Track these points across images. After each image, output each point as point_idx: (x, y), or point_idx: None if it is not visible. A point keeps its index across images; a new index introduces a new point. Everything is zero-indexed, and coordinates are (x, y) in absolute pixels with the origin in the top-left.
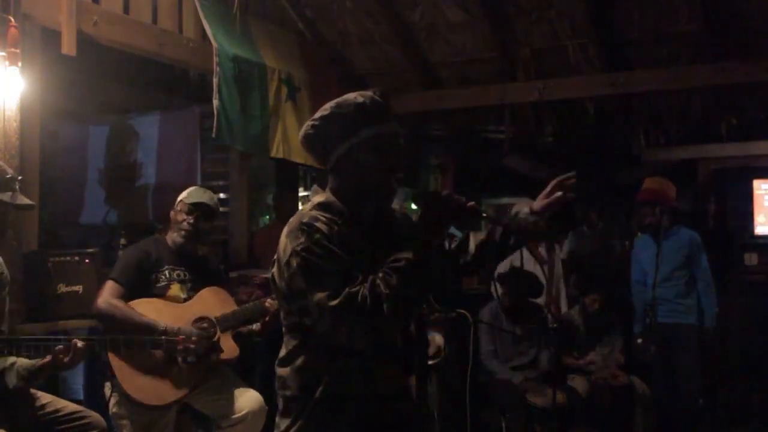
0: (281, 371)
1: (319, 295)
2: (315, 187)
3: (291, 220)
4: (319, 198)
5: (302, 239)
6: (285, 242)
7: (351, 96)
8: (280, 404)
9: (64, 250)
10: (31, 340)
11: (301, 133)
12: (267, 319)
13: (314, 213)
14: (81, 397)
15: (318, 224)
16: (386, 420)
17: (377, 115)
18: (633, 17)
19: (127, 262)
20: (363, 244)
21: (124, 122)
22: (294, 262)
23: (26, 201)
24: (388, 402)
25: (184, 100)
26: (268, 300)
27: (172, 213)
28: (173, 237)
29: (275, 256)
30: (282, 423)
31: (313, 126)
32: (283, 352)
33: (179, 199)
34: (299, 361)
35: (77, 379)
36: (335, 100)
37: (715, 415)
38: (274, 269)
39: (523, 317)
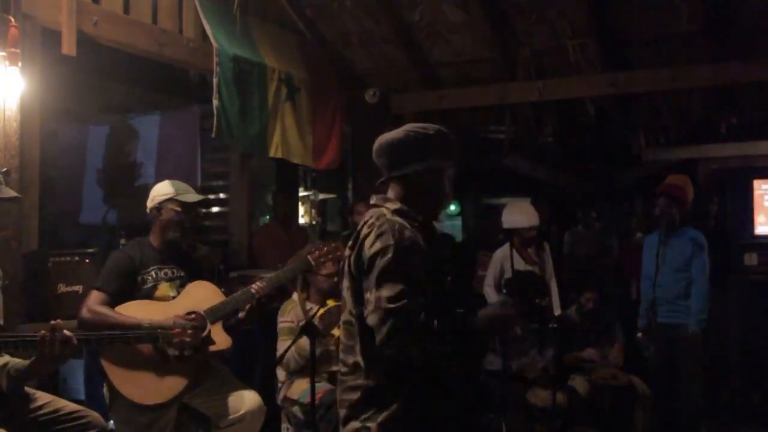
0: (354, 359)
1: (385, 293)
2: (375, 196)
3: (375, 222)
4: (393, 205)
5: (397, 237)
6: (372, 241)
7: (438, 127)
8: (358, 395)
9: (64, 250)
10: (26, 337)
11: (387, 137)
12: (252, 304)
13: (400, 220)
14: (82, 397)
15: (408, 233)
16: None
17: (453, 153)
18: (633, 17)
19: (109, 268)
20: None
21: (124, 122)
22: (387, 257)
23: (11, 193)
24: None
25: (184, 100)
26: (254, 286)
27: (156, 211)
28: (163, 235)
29: (352, 250)
30: (365, 411)
31: (406, 134)
32: (353, 343)
33: (166, 196)
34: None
35: (78, 378)
36: (422, 124)
37: (715, 415)
38: (351, 256)
39: (529, 319)
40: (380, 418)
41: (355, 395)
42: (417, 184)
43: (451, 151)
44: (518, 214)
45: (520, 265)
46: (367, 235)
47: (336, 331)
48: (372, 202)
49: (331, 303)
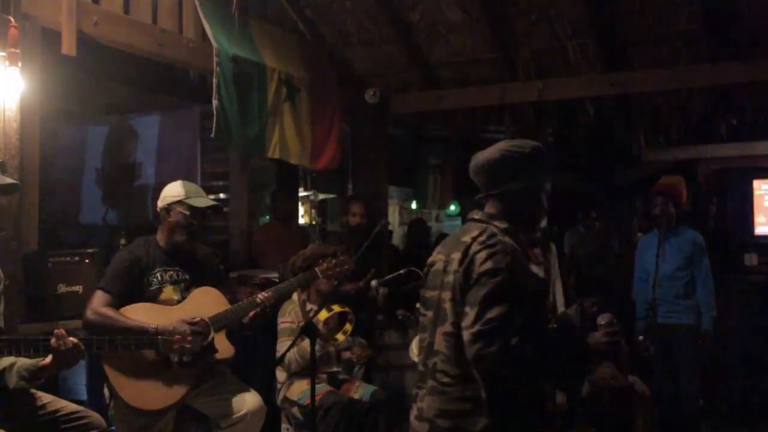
0: (458, 371)
1: (485, 314)
2: (476, 211)
3: (487, 240)
4: (501, 223)
5: (508, 259)
6: (483, 257)
7: (534, 144)
8: (468, 405)
9: (64, 250)
10: (29, 339)
11: (484, 157)
12: (257, 312)
13: (510, 241)
14: (84, 397)
15: (519, 256)
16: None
17: (547, 167)
18: (633, 17)
19: (115, 269)
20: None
21: (124, 122)
22: (496, 279)
23: (8, 180)
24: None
25: (184, 100)
26: (260, 295)
27: (165, 212)
28: (170, 237)
29: (461, 265)
30: (475, 421)
31: (502, 154)
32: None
33: (176, 198)
34: None
35: (78, 379)
36: (518, 143)
37: (715, 416)
38: (458, 272)
39: None
40: (494, 424)
41: (464, 405)
42: (515, 202)
43: (547, 166)
44: None
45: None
46: (477, 252)
47: (340, 336)
48: (475, 217)
49: (336, 308)
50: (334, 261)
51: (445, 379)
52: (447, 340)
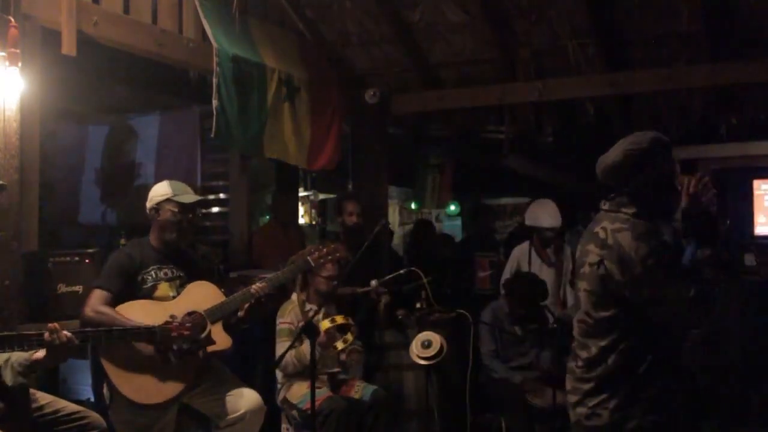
0: (590, 354)
1: (680, 288)
2: (606, 202)
3: (623, 225)
4: (629, 209)
5: (655, 242)
6: (635, 245)
7: (651, 136)
8: (591, 385)
9: (64, 250)
10: (22, 335)
11: (608, 161)
12: (251, 302)
13: (643, 222)
14: (84, 397)
15: (656, 233)
16: (688, 386)
17: (669, 152)
18: (633, 17)
19: (110, 268)
20: None
21: (124, 122)
22: (652, 260)
23: None
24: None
25: (184, 100)
26: (254, 286)
27: (154, 211)
28: (162, 236)
29: (615, 256)
30: (593, 399)
31: (625, 155)
32: (590, 339)
33: (164, 197)
34: (621, 345)
35: (79, 379)
36: (637, 140)
37: (716, 416)
38: (613, 265)
39: (529, 320)
40: (612, 405)
41: (587, 385)
42: (647, 193)
43: (669, 151)
44: (542, 214)
45: (537, 263)
46: (621, 241)
47: (339, 345)
48: (604, 207)
49: (339, 319)
50: (324, 249)
51: (578, 362)
52: (579, 327)
